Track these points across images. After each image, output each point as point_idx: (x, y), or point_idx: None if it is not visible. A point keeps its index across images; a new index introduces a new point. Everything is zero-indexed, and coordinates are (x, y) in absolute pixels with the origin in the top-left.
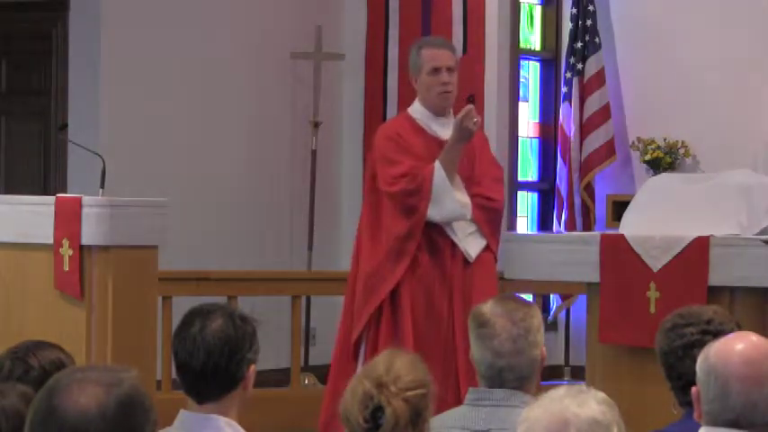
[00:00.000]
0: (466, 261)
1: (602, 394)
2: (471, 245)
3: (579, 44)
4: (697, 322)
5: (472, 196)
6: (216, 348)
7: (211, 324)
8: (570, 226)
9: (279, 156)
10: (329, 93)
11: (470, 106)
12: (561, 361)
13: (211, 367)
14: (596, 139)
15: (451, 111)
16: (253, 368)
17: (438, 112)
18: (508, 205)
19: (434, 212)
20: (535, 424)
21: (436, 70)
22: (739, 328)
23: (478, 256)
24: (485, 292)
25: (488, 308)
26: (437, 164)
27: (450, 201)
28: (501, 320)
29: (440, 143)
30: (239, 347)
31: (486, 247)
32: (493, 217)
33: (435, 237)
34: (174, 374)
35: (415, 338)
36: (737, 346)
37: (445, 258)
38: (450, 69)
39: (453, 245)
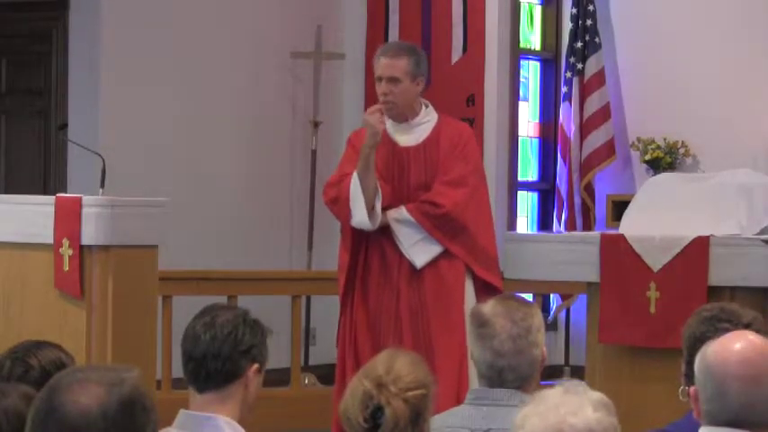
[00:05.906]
0: (415, 270)
1: (597, 395)
2: (417, 253)
3: (579, 44)
4: (736, 322)
5: (420, 202)
6: (220, 335)
7: (222, 316)
8: (570, 226)
9: (279, 156)
10: (329, 93)
11: (377, 106)
12: (561, 361)
13: (214, 351)
14: (596, 139)
15: (421, 116)
16: (255, 367)
17: (394, 118)
18: (508, 205)
19: (353, 219)
20: None
21: (379, 80)
22: None
23: (435, 264)
24: (440, 299)
25: (488, 307)
26: (354, 173)
27: (358, 209)
28: (501, 320)
29: (395, 148)
30: (243, 340)
31: (446, 253)
32: (441, 223)
33: (385, 246)
34: (174, 374)
35: (368, 343)
36: (735, 345)
37: (392, 268)
38: (392, 79)
39: (402, 254)
